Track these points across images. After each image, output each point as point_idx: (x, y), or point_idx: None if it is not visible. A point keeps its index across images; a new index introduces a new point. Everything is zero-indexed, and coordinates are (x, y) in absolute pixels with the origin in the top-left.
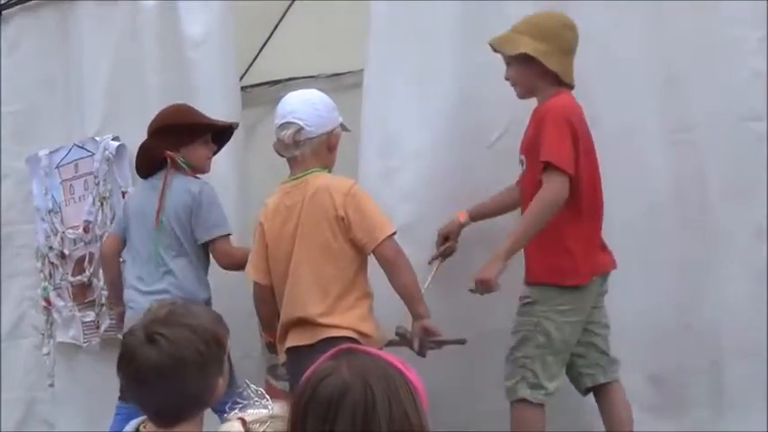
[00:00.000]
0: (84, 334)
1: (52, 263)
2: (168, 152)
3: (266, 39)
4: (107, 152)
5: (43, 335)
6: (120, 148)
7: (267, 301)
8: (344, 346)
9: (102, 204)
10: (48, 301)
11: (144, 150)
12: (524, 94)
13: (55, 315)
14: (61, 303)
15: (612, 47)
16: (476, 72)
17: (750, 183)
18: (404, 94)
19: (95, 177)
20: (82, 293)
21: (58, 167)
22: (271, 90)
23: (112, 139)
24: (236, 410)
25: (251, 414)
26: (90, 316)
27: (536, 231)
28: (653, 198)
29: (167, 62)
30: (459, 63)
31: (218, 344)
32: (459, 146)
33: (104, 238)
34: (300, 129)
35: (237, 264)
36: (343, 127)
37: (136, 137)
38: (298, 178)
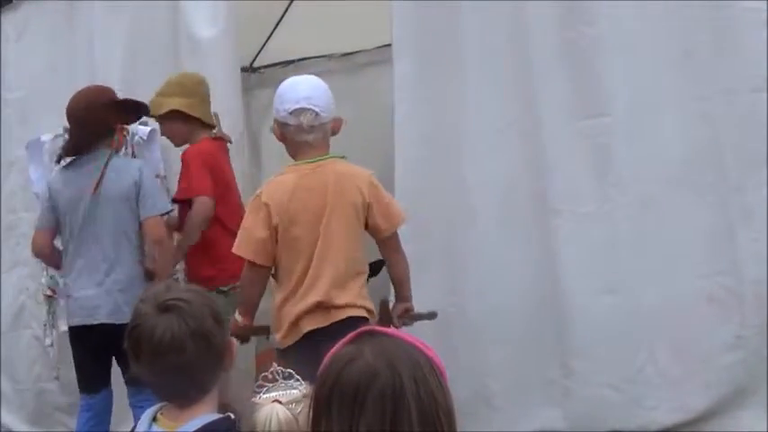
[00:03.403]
0: None
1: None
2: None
3: (278, 19)
4: (137, 137)
5: (45, 326)
6: (152, 133)
7: (262, 283)
8: (364, 328)
9: None
10: (53, 290)
11: (95, 123)
12: (180, 143)
13: (62, 302)
14: None
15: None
16: None
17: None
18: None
19: None
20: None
21: None
22: (284, 70)
23: (140, 124)
24: (262, 394)
25: (284, 395)
26: None
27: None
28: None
29: (177, 49)
30: None
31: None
32: None
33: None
34: (317, 114)
35: None
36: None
37: (153, 122)
38: (314, 162)
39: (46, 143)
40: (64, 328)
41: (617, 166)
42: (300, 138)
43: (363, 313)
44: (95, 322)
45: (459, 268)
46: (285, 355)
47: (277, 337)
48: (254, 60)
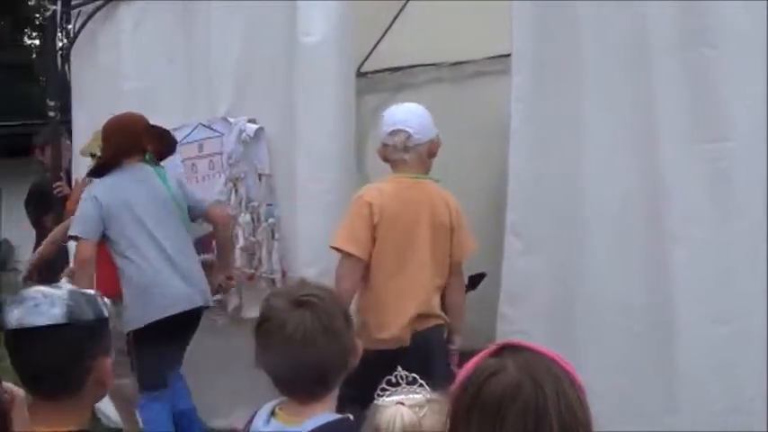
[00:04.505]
0: (210, 312)
1: None
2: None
3: (388, 25)
4: (244, 134)
5: None
6: (259, 131)
7: (357, 276)
8: (506, 341)
9: (235, 185)
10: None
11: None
12: None
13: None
14: None
15: (752, 44)
16: None
17: None
18: None
19: (229, 158)
20: (208, 272)
21: (180, 145)
22: (392, 76)
23: (248, 121)
24: (385, 397)
25: (408, 399)
26: (217, 296)
27: None
28: None
29: (292, 49)
30: None
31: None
32: None
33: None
34: (410, 135)
35: None
36: (438, 138)
37: (265, 120)
38: (414, 177)
39: None
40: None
41: (737, 192)
42: (397, 156)
43: (442, 322)
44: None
45: (569, 285)
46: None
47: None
48: (362, 64)
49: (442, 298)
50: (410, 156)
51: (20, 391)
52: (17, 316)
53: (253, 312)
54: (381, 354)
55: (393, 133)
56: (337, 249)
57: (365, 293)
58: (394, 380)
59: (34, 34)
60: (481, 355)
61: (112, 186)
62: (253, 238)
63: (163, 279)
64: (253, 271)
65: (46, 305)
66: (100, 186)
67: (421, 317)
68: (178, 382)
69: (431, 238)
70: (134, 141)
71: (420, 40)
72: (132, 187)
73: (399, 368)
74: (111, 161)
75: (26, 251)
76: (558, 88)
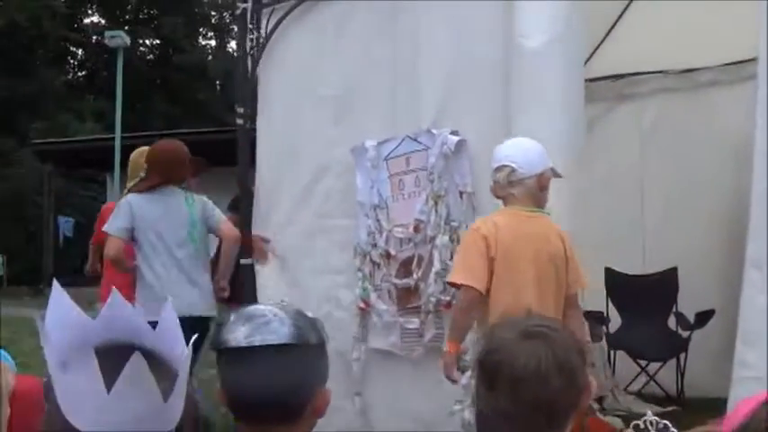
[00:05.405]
0: (404, 342)
1: (374, 262)
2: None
3: (607, 31)
4: (445, 147)
5: (355, 338)
6: (460, 143)
7: (475, 309)
8: None
9: (436, 203)
10: (366, 303)
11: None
12: None
13: (374, 318)
14: (383, 307)
15: None
16: None
17: None
18: None
19: (430, 173)
20: (406, 298)
21: (386, 160)
22: (613, 85)
23: (451, 133)
24: None
25: None
26: (413, 323)
27: None
28: None
29: (506, 58)
30: None
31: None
32: None
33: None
34: (513, 170)
35: None
36: (553, 171)
37: (470, 132)
38: (529, 211)
39: (369, 150)
40: (375, 344)
41: None
42: (504, 191)
43: None
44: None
45: None
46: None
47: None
48: None
49: None
50: (517, 190)
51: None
52: (245, 333)
53: None
54: None
55: (498, 169)
56: (454, 284)
57: (483, 328)
58: (642, 425)
59: (210, 34)
60: (758, 402)
61: (147, 200)
62: (450, 262)
63: (175, 288)
64: (449, 298)
65: (276, 323)
66: (136, 198)
67: None
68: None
69: (547, 271)
70: (178, 171)
71: (645, 44)
72: (162, 207)
73: (649, 413)
74: (154, 186)
75: None
76: None
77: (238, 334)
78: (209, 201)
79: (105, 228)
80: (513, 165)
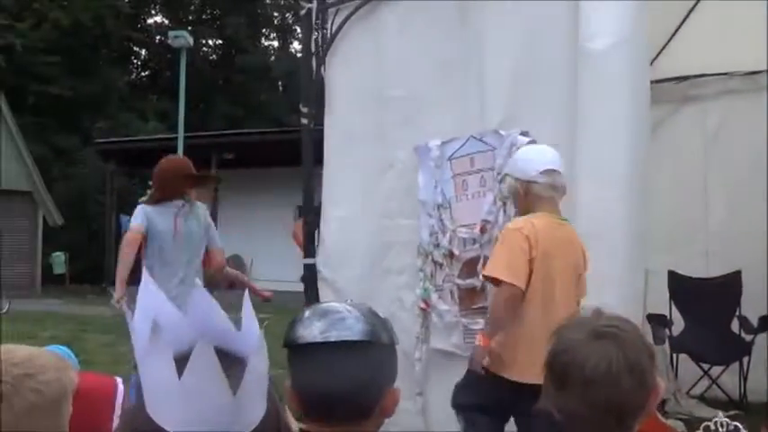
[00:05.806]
0: (467, 342)
1: (436, 262)
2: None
3: (672, 32)
4: (514, 147)
5: (417, 338)
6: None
7: (514, 306)
8: None
9: (504, 204)
10: (427, 303)
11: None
12: None
13: (435, 319)
14: (444, 307)
15: None
16: None
17: None
18: None
19: (498, 174)
20: (470, 298)
21: (450, 160)
22: (677, 87)
23: (520, 134)
24: None
25: None
26: (478, 323)
27: None
28: None
29: (573, 60)
30: None
31: None
32: None
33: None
34: (561, 175)
35: None
36: (551, 177)
37: (538, 134)
38: (559, 218)
39: (432, 149)
40: (437, 344)
41: None
42: (548, 193)
43: None
44: None
45: None
46: (520, 390)
47: (511, 369)
48: None
49: None
50: (557, 195)
51: None
52: (321, 328)
53: None
54: (521, 386)
55: (547, 172)
56: (492, 279)
57: (515, 328)
58: (713, 426)
59: (273, 35)
60: None
61: (156, 211)
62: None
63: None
64: None
65: (351, 320)
66: (147, 208)
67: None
68: None
69: (570, 278)
70: (176, 186)
71: (710, 45)
72: (169, 218)
73: (721, 414)
74: (161, 199)
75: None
76: None
77: (314, 329)
78: (211, 223)
79: (130, 223)
80: (561, 170)
